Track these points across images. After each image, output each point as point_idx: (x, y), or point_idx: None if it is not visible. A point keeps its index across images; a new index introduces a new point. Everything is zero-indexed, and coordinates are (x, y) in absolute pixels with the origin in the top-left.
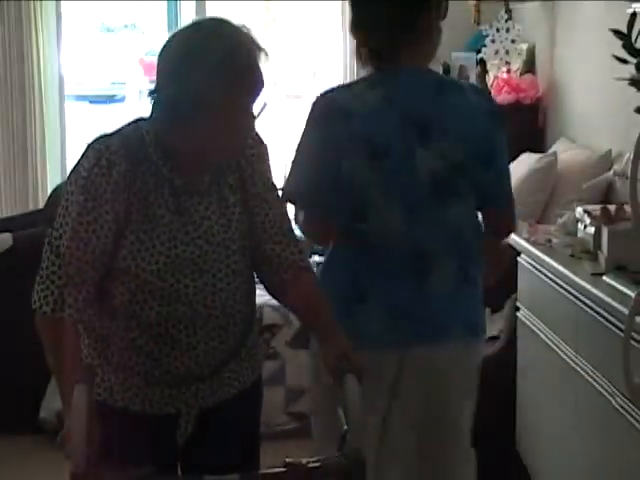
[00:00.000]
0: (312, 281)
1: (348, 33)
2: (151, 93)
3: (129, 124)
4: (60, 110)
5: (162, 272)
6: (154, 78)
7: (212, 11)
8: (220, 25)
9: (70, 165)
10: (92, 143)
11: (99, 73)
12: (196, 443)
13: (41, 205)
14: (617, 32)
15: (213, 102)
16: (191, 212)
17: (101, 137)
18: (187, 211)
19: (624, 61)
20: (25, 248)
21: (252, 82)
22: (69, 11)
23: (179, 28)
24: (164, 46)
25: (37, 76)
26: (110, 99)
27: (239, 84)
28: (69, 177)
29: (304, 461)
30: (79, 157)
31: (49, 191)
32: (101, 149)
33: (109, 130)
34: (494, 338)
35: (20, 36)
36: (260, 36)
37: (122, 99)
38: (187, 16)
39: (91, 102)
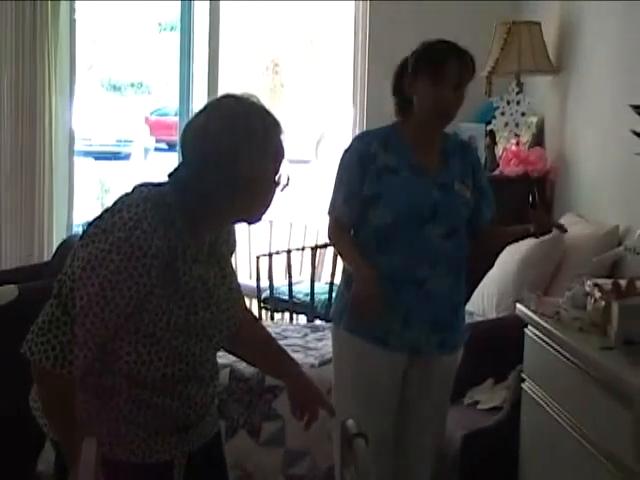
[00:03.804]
0: (265, 330)
1: (358, 97)
2: (176, 170)
3: (147, 188)
4: (69, 166)
5: (176, 336)
6: (159, 137)
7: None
8: (249, 106)
9: (77, 220)
10: (123, 204)
11: (105, 130)
12: None
13: (46, 258)
14: (637, 107)
15: (261, 184)
16: (205, 279)
17: (129, 198)
18: (203, 278)
19: None
20: (30, 299)
21: (283, 157)
22: (78, 68)
23: (204, 112)
24: (195, 130)
25: (48, 132)
26: (115, 156)
27: (278, 162)
28: (89, 235)
29: None
30: (103, 215)
31: (55, 244)
32: (138, 212)
33: (116, 187)
34: (497, 409)
35: (33, 91)
36: (266, 100)
37: (127, 156)
38: (199, 75)
39: (96, 158)
